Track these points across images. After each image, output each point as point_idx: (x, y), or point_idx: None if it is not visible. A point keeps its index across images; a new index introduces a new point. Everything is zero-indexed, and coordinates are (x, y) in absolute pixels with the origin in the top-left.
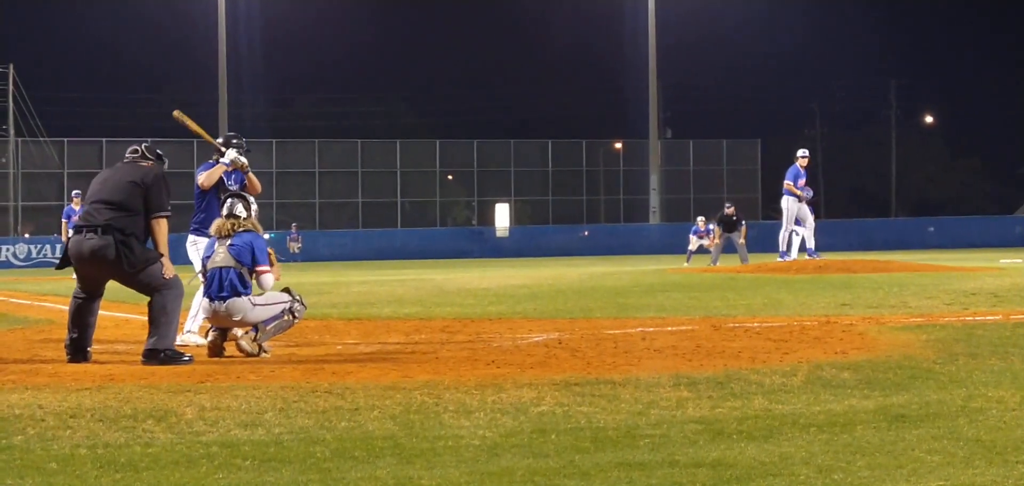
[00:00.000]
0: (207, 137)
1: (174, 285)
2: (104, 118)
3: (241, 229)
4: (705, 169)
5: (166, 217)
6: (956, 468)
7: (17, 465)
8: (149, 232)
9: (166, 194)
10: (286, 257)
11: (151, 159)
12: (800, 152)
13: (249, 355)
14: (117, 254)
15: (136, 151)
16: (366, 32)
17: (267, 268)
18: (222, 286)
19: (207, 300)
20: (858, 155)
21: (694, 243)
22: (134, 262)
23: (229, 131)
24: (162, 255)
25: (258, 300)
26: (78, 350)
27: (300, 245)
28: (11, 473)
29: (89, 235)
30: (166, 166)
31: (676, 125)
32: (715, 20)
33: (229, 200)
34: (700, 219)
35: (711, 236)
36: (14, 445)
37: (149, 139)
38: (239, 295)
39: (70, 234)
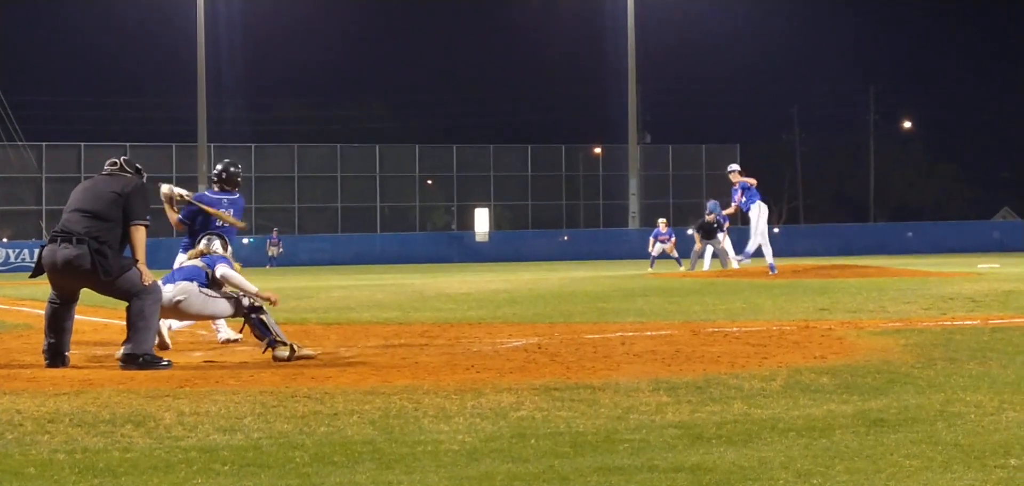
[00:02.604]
0: (237, 222)
1: (152, 291)
2: (82, 122)
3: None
4: (684, 174)
5: (145, 225)
6: (934, 472)
7: None
8: (126, 241)
9: (145, 203)
10: (265, 262)
11: (130, 172)
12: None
13: (287, 360)
14: (92, 263)
15: (115, 163)
16: (346, 36)
17: (225, 265)
18: (176, 275)
19: (161, 284)
20: (837, 160)
21: (657, 248)
22: (109, 270)
23: (227, 161)
24: (138, 261)
25: (207, 291)
26: (56, 355)
27: (280, 249)
28: None
29: (64, 245)
30: (145, 178)
31: (655, 130)
32: (695, 25)
33: (206, 238)
34: (661, 221)
35: (672, 241)
36: None
37: (127, 143)
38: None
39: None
